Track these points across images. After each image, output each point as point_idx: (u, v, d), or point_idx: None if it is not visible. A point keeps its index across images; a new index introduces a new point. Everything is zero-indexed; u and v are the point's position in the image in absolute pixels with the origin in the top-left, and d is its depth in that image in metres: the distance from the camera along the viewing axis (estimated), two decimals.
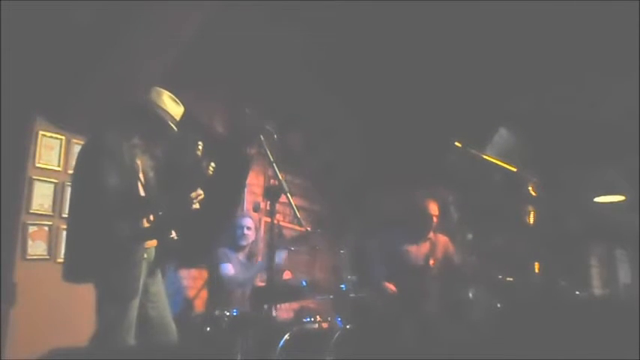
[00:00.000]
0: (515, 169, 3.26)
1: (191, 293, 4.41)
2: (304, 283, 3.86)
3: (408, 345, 3.64)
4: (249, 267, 4.05)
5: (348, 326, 3.59)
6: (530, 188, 3.13)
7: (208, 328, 3.51)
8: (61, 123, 3.65)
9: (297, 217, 2.90)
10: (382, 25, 4.25)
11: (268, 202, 2.83)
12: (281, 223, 4.51)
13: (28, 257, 3.48)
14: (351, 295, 3.89)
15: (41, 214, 3.57)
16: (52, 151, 3.64)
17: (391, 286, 3.97)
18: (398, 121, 5.24)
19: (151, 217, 2.62)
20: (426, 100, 4.99)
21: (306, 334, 3.61)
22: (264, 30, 4.15)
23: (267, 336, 3.34)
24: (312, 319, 3.80)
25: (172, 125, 2.69)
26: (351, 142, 5.67)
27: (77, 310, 3.14)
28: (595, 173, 5.46)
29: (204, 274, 4.26)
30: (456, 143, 3.36)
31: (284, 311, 4.73)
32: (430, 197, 4.20)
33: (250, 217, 4.21)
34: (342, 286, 3.90)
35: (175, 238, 2.67)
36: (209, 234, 4.03)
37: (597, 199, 5.56)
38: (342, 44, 4.46)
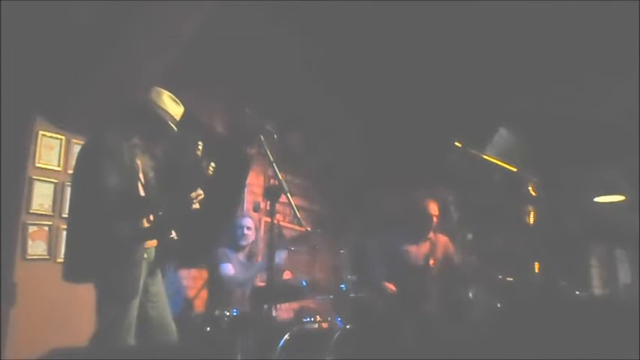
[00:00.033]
0: (515, 169, 3.26)
1: (191, 293, 4.41)
2: (304, 283, 3.86)
3: (408, 345, 3.63)
4: (249, 267, 4.05)
5: (348, 326, 3.59)
6: (530, 188, 3.13)
7: (208, 328, 3.50)
8: (61, 123, 3.65)
9: (297, 217, 2.90)
10: (382, 25, 4.25)
11: (268, 202, 2.83)
12: (281, 223, 4.51)
13: (28, 257, 3.48)
14: (351, 295, 3.89)
15: (41, 214, 3.57)
16: (52, 151, 3.64)
17: (391, 286, 3.96)
18: (398, 121, 5.24)
19: (151, 217, 2.62)
20: (426, 100, 4.99)
21: (306, 334, 3.61)
22: (264, 30, 4.15)
23: (267, 336, 3.33)
24: (312, 319, 3.80)
25: (172, 125, 2.69)
26: (351, 142, 5.67)
27: (77, 310, 3.15)
28: (595, 173, 5.46)
29: (204, 274, 4.26)
30: (456, 143, 3.36)
31: (284, 311, 4.73)
32: (430, 197, 4.20)
33: (250, 217, 4.21)
34: (342, 286, 3.91)
35: (175, 238, 2.67)
36: (209, 234, 4.03)
37: (597, 199, 5.56)
38: (341, 44, 4.46)
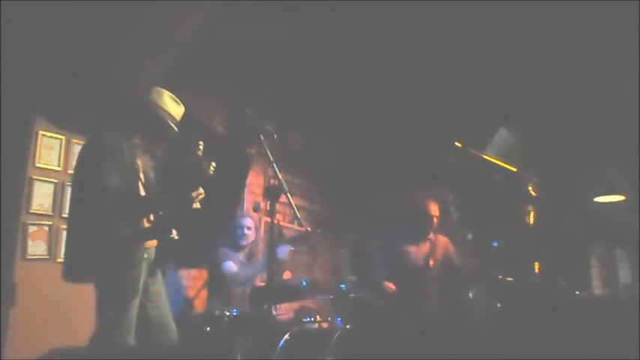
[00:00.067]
0: (515, 169, 3.26)
1: (191, 293, 4.41)
2: (304, 283, 3.86)
3: (408, 345, 3.63)
4: (249, 267, 4.05)
5: (348, 326, 3.59)
6: (530, 188, 3.13)
7: (208, 328, 3.50)
8: (61, 123, 3.65)
9: (297, 217, 2.90)
10: (382, 25, 4.25)
11: (268, 202, 2.84)
12: (281, 223, 4.51)
13: (28, 257, 3.48)
14: (351, 295, 3.90)
15: (41, 214, 3.57)
16: (52, 151, 3.64)
17: (391, 286, 3.96)
18: (398, 121, 5.24)
19: (152, 217, 2.62)
20: (426, 100, 4.99)
21: (306, 334, 3.61)
22: (264, 30, 4.15)
23: (267, 336, 3.34)
24: (312, 319, 3.80)
25: (173, 125, 2.70)
26: (351, 142, 5.67)
27: (77, 310, 3.14)
28: (595, 173, 5.46)
29: (204, 274, 4.26)
30: (456, 143, 3.36)
31: (284, 311, 4.72)
32: (430, 197, 4.20)
33: (250, 217, 4.21)
34: (342, 286, 3.91)
35: (176, 237, 2.67)
36: (209, 234, 4.03)
37: (597, 199, 5.56)
38: (341, 44, 4.46)
